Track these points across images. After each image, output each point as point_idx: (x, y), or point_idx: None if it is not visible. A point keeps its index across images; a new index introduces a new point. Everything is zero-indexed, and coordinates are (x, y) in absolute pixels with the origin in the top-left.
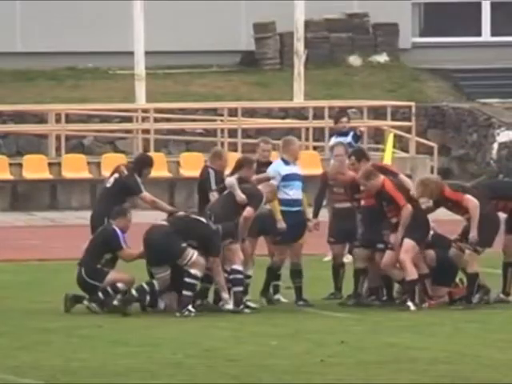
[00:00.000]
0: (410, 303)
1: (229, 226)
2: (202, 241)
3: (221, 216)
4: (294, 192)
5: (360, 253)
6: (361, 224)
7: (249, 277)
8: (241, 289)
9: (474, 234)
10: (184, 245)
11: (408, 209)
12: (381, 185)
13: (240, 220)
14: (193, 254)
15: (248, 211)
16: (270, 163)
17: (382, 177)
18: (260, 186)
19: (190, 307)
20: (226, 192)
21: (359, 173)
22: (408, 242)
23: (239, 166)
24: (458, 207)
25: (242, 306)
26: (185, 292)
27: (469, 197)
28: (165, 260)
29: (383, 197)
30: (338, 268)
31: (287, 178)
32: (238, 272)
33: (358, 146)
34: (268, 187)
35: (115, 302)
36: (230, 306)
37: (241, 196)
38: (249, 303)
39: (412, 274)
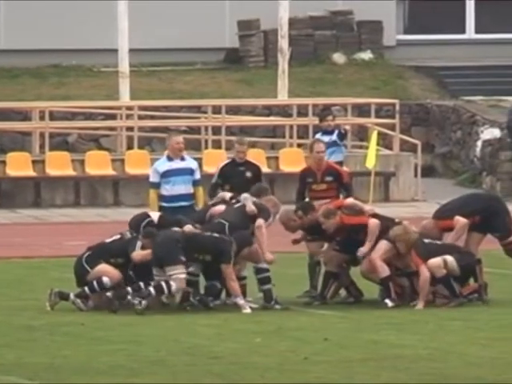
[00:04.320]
0: (387, 300)
1: (243, 236)
2: (215, 252)
3: (235, 225)
4: (176, 188)
5: (335, 256)
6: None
7: (244, 278)
8: (270, 286)
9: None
10: (183, 259)
11: (374, 222)
12: (339, 222)
13: (256, 233)
14: (182, 274)
15: (259, 221)
16: (246, 163)
17: (339, 214)
18: (263, 201)
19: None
20: (238, 204)
21: (319, 211)
22: (381, 242)
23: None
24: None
25: (272, 302)
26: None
27: None
28: (160, 261)
29: (349, 230)
30: (314, 266)
31: (167, 175)
32: (265, 270)
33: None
34: (270, 202)
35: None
36: (247, 310)
37: (250, 206)
38: (251, 304)
39: (383, 271)
